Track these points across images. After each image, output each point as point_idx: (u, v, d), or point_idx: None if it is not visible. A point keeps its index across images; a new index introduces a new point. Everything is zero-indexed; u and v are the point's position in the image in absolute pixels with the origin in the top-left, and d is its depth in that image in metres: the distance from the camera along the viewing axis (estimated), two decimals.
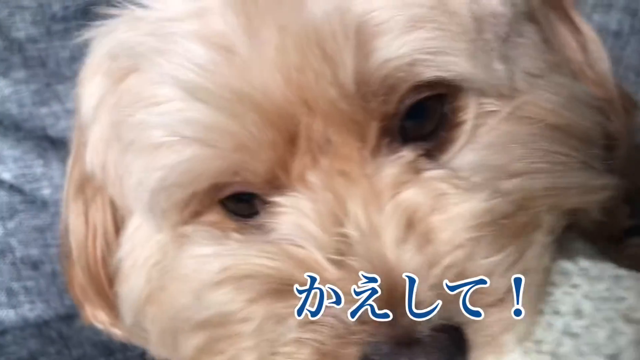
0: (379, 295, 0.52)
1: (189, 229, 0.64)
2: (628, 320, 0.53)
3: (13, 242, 1.20)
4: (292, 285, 0.54)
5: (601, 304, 0.54)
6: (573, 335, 0.53)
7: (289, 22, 0.54)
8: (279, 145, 0.56)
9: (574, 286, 0.55)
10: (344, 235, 0.54)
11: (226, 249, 0.61)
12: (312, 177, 0.57)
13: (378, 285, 0.52)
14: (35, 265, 1.21)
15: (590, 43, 0.68)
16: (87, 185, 0.74)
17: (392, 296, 0.52)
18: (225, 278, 0.58)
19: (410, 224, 0.54)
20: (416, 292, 0.52)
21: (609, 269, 0.56)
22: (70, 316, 1.22)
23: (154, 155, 0.59)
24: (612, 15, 1.29)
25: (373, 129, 0.56)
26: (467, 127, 0.58)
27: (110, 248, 0.74)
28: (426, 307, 0.51)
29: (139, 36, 0.61)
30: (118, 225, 0.73)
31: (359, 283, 0.52)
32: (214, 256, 0.61)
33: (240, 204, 0.62)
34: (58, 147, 1.26)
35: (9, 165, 1.22)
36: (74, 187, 0.75)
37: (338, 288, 0.52)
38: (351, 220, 0.54)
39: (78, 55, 1.29)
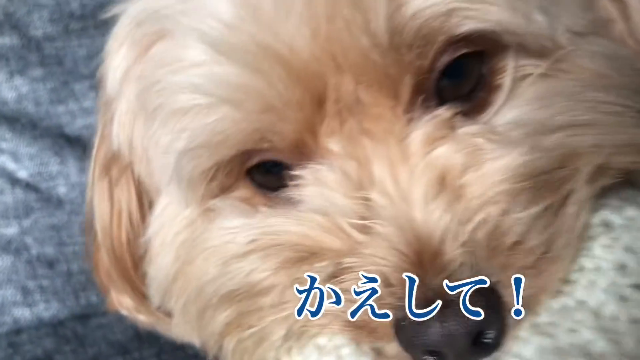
0: (408, 259, 0.50)
1: (217, 202, 0.63)
2: None
3: (28, 240, 1.19)
4: (317, 253, 0.53)
5: None
6: (619, 296, 0.50)
7: None
8: (306, 106, 0.55)
9: (615, 239, 0.52)
10: (369, 200, 0.52)
11: (254, 221, 0.60)
12: (336, 145, 0.55)
13: (403, 248, 0.50)
14: (50, 263, 1.20)
15: (632, 11, 0.65)
16: (113, 165, 0.73)
17: (422, 258, 0.50)
18: (253, 249, 0.57)
19: (442, 182, 0.52)
20: (447, 252, 0.50)
21: None
22: (86, 315, 1.21)
23: (180, 119, 0.58)
24: None
25: (407, 85, 0.54)
26: (505, 88, 0.56)
27: (135, 231, 0.73)
28: (457, 268, 0.49)
29: (163, 0, 0.60)
30: (144, 207, 0.72)
31: (384, 247, 0.51)
32: (241, 228, 0.60)
33: (268, 176, 0.61)
34: (74, 145, 1.25)
35: (25, 163, 1.22)
36: (99, 167, 0.75)
37: (366, 253, 0.51)
38: (377, 184, 0.53)
39: (95, 54, 1.30)
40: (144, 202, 0.74)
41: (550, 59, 0.57)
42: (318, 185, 0.56)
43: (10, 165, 1.21)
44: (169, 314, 0.74)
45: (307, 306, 0.54)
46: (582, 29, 0.59)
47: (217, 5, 0.55)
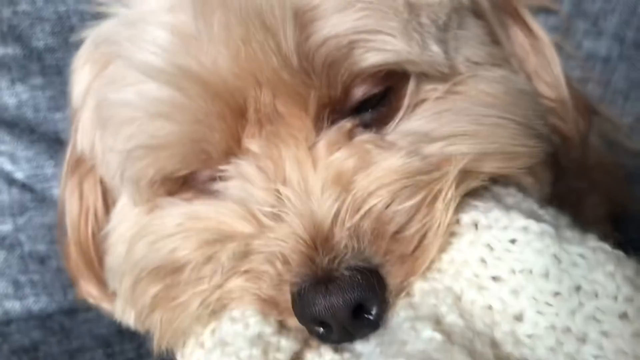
0: (305, 243, 0.58)
1: (162, 201, 0.72)
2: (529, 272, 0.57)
3: (22, 237, 1.26)
4: (231, 236, 0.62)
5: (504, 254, 0.58)
6: (478, 285, 0.58)
7: (232, 2, 0.60)
8: (228, 117, 0.63)
9: (479, 236, 0.60)
10: (279, 192, 0.61)
11: (182, 209, 0.69)
12: (255, 146, 0.64)
13: (301, 233, 0.59)
14: (42, 260, 1.26)
15: (543, 46, 0.74)
16: (80, 167, 0.81)
17: (315, 242, 0.58)
18: (178, 230, 0.66)
19: (336, 180, 0.60)
20: (335, 236, 0.58)
21: (518, 220, 0.59)
22: (73, 310, 1.27)
23: (124, 129, 0.67)
24: (602, 42, 1.34)
25: (314, 102, 0.63)
26: (404, 107, 0.65)
27: (100, 227, 0.81)
28: (343, 250, 0.58)
29: (117, 26, 0.70)
30: (108, 205, 0.80)
31: (286, 232, 0.59)
32: (172, 214, 0.68)
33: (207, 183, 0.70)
34: None
35: (22, 165, 1.29)
36: (70, 166, 0.83)
37: (271, 236, 0.60)
38: (287, 179, 0.62)
39: None
40: (109, 201, 0.83)
41: (449, 83, 0.66)
42: (239, 178, 0.64)
43: (8, 166, 1.29)
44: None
45: (219, 281, 0.62)
46: (480, 59, 0.68)
47: (155, 34, 0.64)
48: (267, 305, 0.61)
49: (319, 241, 0.58)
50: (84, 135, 0.79)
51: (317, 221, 0.59)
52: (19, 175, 1.29)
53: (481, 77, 0.66)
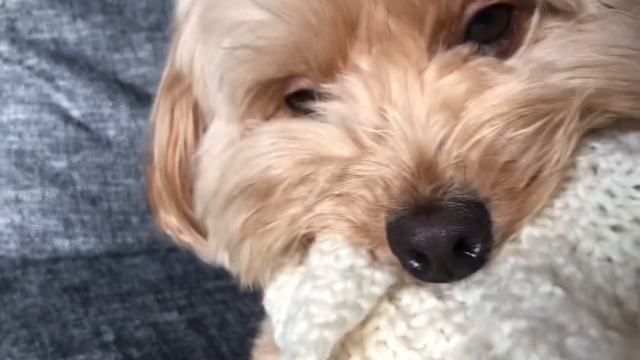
0: (408, 168, 0.54)
1: (254, 122, 0.68)
2: None
3: (75, 175, 1.24)
4: (327, 158, 0.58)
5: (626, 201, 0.53)
6: (596, 235, 0.53)
7: None
8: (339, 27, 0.59)
9: (598, 181, 0.54)
10: (385, 112, 0.57)
11: (278, 126, 0.65)
12: (364, 63, 0.60)
13: (405, 159, 0.55)
14: (93, 200, 1.25)
15: None
16: (175, 86, 0.78)
17: (419, 169, 0.54)
18: (273, 149, 0.62)
19: (445, 105, 0.56)
20: (440, 166, 0.54)
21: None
22: (120, 254, 1.26)
23: (230, 32, 0.64)
24: None
25: (430, 19, 0.58)
26: (527, 40, 0.60)
27: (188, 155, 0.78)
28: (448, 180, 0.53)
29: None
30: (198, 134, 0.77)
31: (389, 156, 0.55)
32: (267, 133, 0.65)
33: (304, 102, 0.66)
34: (127, 92, 1.31)
35: (80, 103, 1.27)
36: (164, 87, 0.80)
37: (372, 160, 0.56)
38: (392, 102, 0.57)
39: (153, 8, 1.37)
40: (200, 129, 0.79)
41: (574, 20, 0.60)
42: (342, 97, 0.60)
43: (65, 103, 1.26)
44: (206, 237, 0.78)
45: (311, 203, 0.59)
46: (613, 2, 0.62)
47: None
48: (359, 232, 0.57)
49: (422, 170, 0.54)
50: (184, 49, 0.75)
51: (422, 149, 0.54)
52: (76, 112, 1.27)
53: (611, 20, 0.61)
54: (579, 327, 0.45)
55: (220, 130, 0.72)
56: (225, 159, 0.69)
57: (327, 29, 0.59)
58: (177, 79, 0.78)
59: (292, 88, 0.66)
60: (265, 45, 0.62)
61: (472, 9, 0.60)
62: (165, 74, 0.81)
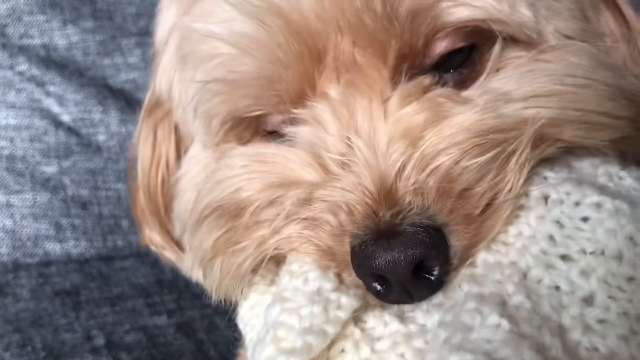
0: (370, 194, 0.57)
1: (231, 148, 0.71)
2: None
3: (66, 180, 1.27)
4: (296, 182, 0.61)
5: (574, 232, 0.55)
6: (545, 263, 0.55)
7: None
8: (306, 59, 0.62)
9: (548, 212, 0.57)
10: (350, 140, 0.60)
11: (250, 151, 0.68)
12: (333, 92, 0.63)
13: (367, 185, 0.57)
14: (84, 205, 1.27)
15: (636, 37, 0.70)
16: (157, 109, 0.81)
17: (380, 194, 0.57)
18: (243, 172, 0.65)
19: (405, 134, 0.59)
20: (400, 192, 0.56)
21: (591, 195, 0.56)
22: (110, 257, 1.29)
23: (204, 64, 0.66)
24: None
25: (393, 52, 0.61)
26: (488, 68, 0.62)
27: (170, 175, 0.81)
28: (407, 205, 0.56)
29: None
30: (180, 155, 0.80)
31: (353, 182, 0.58)
32: (239, 157, 0.68)
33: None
34: (117, 97, 1.33)
35: (70, 108, 1.29)
36: (146, 110, 0.83)
37: (337, 186, 0.58)
38: (358, 129, 0.60)
39: (143, 13, 1.38)
40: (181, 149, 0.83)
41: (535, 50, 0.63)
42: (311, 123, 0.63)
43: (56, 108, 1.28)
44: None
45: (278, 227, 0.61)
46: (572, 33, 0.65)
47: None
48: (325, 256, 0.60)
49: (383, 194, 0.56)
50: (163, 76, 0.79)
51: (382, 174, 0.57)
52: (66, 117, 1.29)
53: (570, 50, 0.63)
54: None
55: (198, 154, 0.75)
56: (199, 181, 0.72)
57: (294, 61, 0.62)
58: (157, 103, 0.81)
59: (269, 126, 0.69)
60: (237, 79, 0.64)
61: (437, 51, 0.62)
62: (147, 97, 0.83)
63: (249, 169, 0.65)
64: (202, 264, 0.69)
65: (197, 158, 0.76)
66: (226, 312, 1.19)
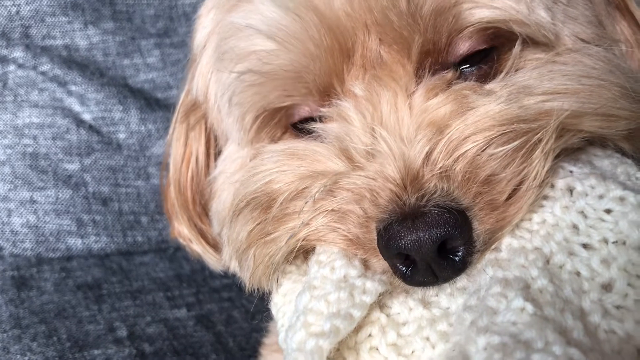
0: (393, 180, 0.60)
1: (261, 145, 0.75)
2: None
3: (87, 177, 1.30)
4: (323, 173, 0.64)
5: (597, 223, 0.58)
6: (568, 250, 0.58)
7: None
8: (336, 54, 0.66)
9: (573, 202, 0.60)
10: (374, 131, 0.63)
11: (282, 146, 0.71)
12: (358, 89, 0.66)
13: (391, 172, 0.60)
14: (104, 201, 1.31)
15: None
16: (191, 114, 0.85)
17: (405, 181, 0.60)
18: (275, 166, 0.68)
19: (432, 123, 0.61)
20: (426, 177, 0.59)
21: (616, 190, 0.59)
22: (130, 252, 1.32)
23: (241, 60, 0.70)
24: None
25: (417, 46, 0.64)
26: (508, 66, 0.65)
27: (199, 172, 0.85)
28: (432, 189, 0.59)
29: None
30: (210, 154, 0.84)
31: (376, 170, 0.61)
32: (271, 152, 0.71)
33: (307, 124, 0.72)
34: (137, 96, 1.36)
35: (91, 107, 1.33)
36: (181, 113, 0.87)
37: (361, 174, 0.61)
38: (383, 122, 0.63)
39: (161, 14, 1.41)
40: (211, 149, 0.87)
41: (553, 52, 0.66)
42: (337, 119, 0.67)
43: (77, 107, 1.32)
44: (217, 248, 0.85)
45: (307, 219, 0.64)
46: (587, 37, 0.68)
47: None
48: (353, 244, 0.63)
49: (408, 181, 0.59)
50: (200, 78, 0.82)
51: (408, 162, 0.60)
52: (87, 116, 1.32)
53: (586, 53, 0.66)
54: (544, 343, 0.50)
55: (233, 154, 0.79)
56: (236, 179, 0.75)
57: (324, 55, 0.65)
58: (192, 107, 0.85)
59: (296, 117, 0.72)
60: (270, 71, 0.68)
61: (460, 52, 0.66)
62: (180, 101, 0.87)
63: (281, 162, 0.68)
64: (237, 254, 0.72)
65: (232, 157, 0.79)
66: (243, 306, 1.23)
